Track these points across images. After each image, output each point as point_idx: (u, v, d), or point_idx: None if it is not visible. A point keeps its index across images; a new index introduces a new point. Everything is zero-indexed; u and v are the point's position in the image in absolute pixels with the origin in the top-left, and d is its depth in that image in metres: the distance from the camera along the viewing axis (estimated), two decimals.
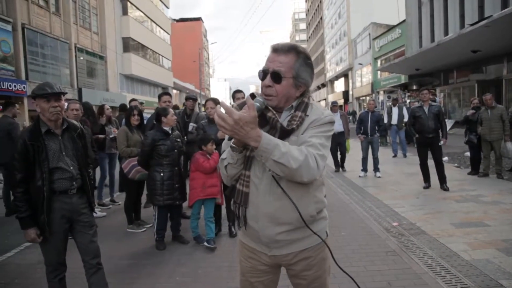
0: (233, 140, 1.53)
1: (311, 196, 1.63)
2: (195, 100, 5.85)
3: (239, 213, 1.68)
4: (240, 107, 1.61)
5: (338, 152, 9.25)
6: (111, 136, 6.36)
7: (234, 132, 1.38)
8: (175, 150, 4.34)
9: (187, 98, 5.86)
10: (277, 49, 1.60)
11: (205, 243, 4.29)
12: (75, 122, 2.86)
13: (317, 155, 1.50)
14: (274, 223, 1.60)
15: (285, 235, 1.63)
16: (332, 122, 1.64)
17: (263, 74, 1.59)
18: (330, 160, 9.24)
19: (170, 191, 4.28)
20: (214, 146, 4.34)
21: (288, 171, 1.43)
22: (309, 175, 1.47)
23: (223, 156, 1.66)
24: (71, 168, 2.65)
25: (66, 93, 2.85)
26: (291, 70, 1.57)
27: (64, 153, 2.64)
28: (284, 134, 1.56)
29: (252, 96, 1.66)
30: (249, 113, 1.37)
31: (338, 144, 8.86)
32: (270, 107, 1.57)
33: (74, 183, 2.66)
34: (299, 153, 1.45)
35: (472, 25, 12.48)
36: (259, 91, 1.69)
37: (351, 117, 29.49)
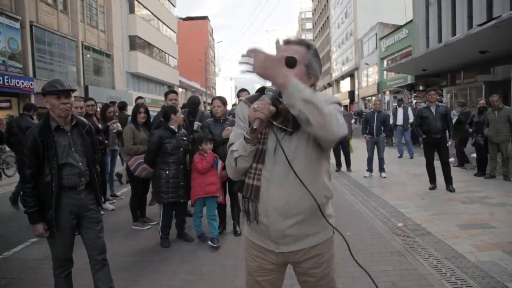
0: (247, 131, 1.53)
1: (321, 181, 1.65)
2: (198, 104, 5.78)
3: (249, 208, 1.65)
4: (251, 100, 1.65)
5: (341, 152, 9.23)
6: (114, 132, 6.38)
7: (264, 67, 1.40)
8: (181, 149, 4.36)
9: (190, 108, 5.73)
10: (289, 41, 1.66)
11: (209, 242, 4.30)
12: (83, 118, 2.89)
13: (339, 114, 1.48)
14: (284, 216, 1.60)
15: (295, 228, 1.62)
16: (340, 104, 1.66)
17: None
18: (332, 160, 9.23)
19: (175, 189, 4.30)
20: (209, 146, 4.35)
21: (319, 115, 1.37)
22: (339, 128, 1.43)
23: (234, 148, 1.63)
24: (80, 164, 2.67)
25: (76, 90, 2.88)
26: (304, 58, 1.62)
27: (73, 149, 2.67)
28: (297, 124, 1.55)
29: (263, 88, 1.66)
30: (276, 54, 1.43)
31: (341, 143, 8.82)
32: (281, 100, 1.55)
33: (82, 179, 2.69)
34: (327, 104, 1.43)
35: (480, 25, 12.36)
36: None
37: (357, 118, 29.37)
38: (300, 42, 1.65)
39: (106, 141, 6.14)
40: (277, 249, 1.69)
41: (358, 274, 3.41)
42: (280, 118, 1.57)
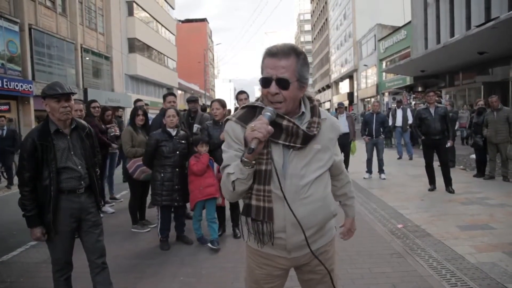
0: (244, 153, 1.46)
1: (330, 195, 1.71)
2: (196, 101, 5.81)
3: (263, 230, 1.59)
4: (242, 119, 1.60)
5: (342, 153, 9.21)
6: (111, 135, 6.36)
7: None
8: (177, 152, 4.36)
9: (188, 101, 5.78)
10: (276, 53, 1.52)
11: (209, 244, 4.29)
12: (83, 121, 2.88)
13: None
14: (302, 229, 1.58)
15: (310, 238, 1.62)
16: None
17: (266, 81, 1.53)
18: None
19: (169, 192, 4.30)
20: (204, 148, 4.34)
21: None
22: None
23: (230, 170, 1.55)
24: (79, 167, 2.66)
25: (76, 93, 2.87)
26: (295, 73, 1.52)
27: (72, 152, 2.65)
28: (307, 139, 1.55)
29: (250, 106, 1.64)
30: None
31: (343, 145, 8.80)
32: (283, 115, 1.54)
33: (82, 182, 2.68)
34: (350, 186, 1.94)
35: (478, 26, 12.40)
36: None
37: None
38: (288, 53, 1.51)
39: (114, 145, 6.14)
40: (289, 255, 1.67)
41: (356, 276, 3.41)
42: (283, 135, 1.54)
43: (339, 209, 1.86)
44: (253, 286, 1.80)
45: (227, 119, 1.67)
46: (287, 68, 1.50)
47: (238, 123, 1.60)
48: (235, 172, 1.51)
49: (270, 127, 1.43)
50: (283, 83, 1.50)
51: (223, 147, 1.70)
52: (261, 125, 1.41)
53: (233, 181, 1.52)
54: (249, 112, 1.63)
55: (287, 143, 1.54)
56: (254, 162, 1.48)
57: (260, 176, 1.54)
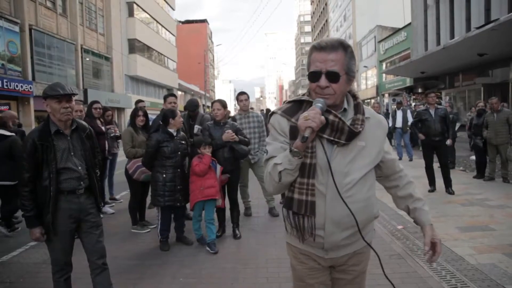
0: (294, 144, 1.47)
1: (373, 196, 1.66)
2: (196, 109, 5.72)
3: (304, 224, 1.58)
4: (287, 112, 1.60)
5: None
6: (111, 136, 6.36)
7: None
8: (179, 152, 4.36)
9: (190, 110, 5.65)
10: (324, 47, 1.52)
11: (207, 248, 4.29)
12: (84, 122, 2.88)
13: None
14: (341, 228, 1.57)
15: (349, 238, 1.61)
16: None
17: (315, 75, 1.53)
18: None
19: (172, 193, 4.30)
20: (207, 150, 4.33)
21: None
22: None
23: (277, 161, 1.53)
24: (79, 168, 2.66)
25: (77, 94, 2.88)
26: (343, 66, 1.52)
27: (72, 153, 2.65)
28: (352, 136, 1.54)
29: (300, 101, 1.63)
30: None
31: None
32: (331, 110, 1.53)
33: (82, 183, 2.68)
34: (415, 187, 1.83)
35: (478, 28, 12.41)
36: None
37: None
38: (336, 47, 1.52)
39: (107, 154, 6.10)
40: (326, 255, 1.67)
41: None
42: (327, 129, 1.53)
43: (381, 211, 1.83)
44: (299, 284, 1.77)
45: (273, 112, 1.67)
46: (336, 61, 1.51)
47: (284, 116, 1.61)
48: (283, 163, 1.51)
49: (323, 117, 1.44)
50: (332, 76, 1.50)
51: (267, 139, 1.69)
52: (314, 115, 1.42)
53: (280, 172, 1.52)
54: (295, 106, 1.63)
55: (331, 138, 1.53)
56: (303, 152, 1.48)
57: (304, 169, 1.53)
